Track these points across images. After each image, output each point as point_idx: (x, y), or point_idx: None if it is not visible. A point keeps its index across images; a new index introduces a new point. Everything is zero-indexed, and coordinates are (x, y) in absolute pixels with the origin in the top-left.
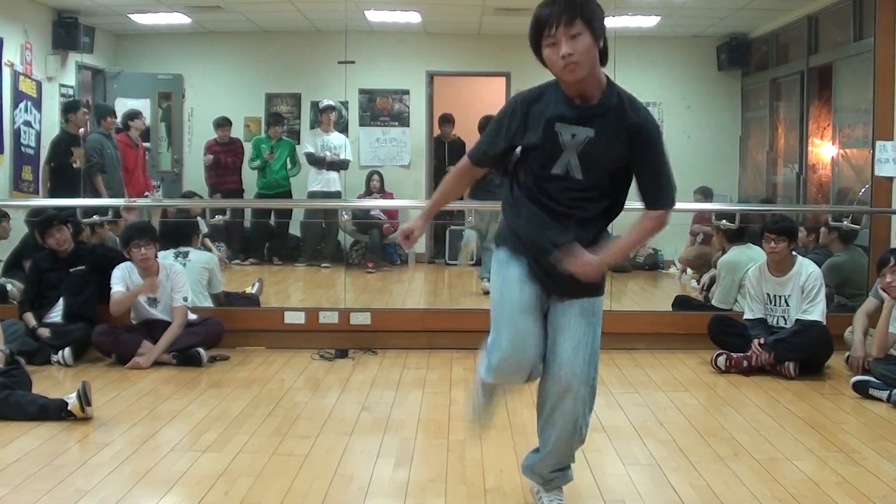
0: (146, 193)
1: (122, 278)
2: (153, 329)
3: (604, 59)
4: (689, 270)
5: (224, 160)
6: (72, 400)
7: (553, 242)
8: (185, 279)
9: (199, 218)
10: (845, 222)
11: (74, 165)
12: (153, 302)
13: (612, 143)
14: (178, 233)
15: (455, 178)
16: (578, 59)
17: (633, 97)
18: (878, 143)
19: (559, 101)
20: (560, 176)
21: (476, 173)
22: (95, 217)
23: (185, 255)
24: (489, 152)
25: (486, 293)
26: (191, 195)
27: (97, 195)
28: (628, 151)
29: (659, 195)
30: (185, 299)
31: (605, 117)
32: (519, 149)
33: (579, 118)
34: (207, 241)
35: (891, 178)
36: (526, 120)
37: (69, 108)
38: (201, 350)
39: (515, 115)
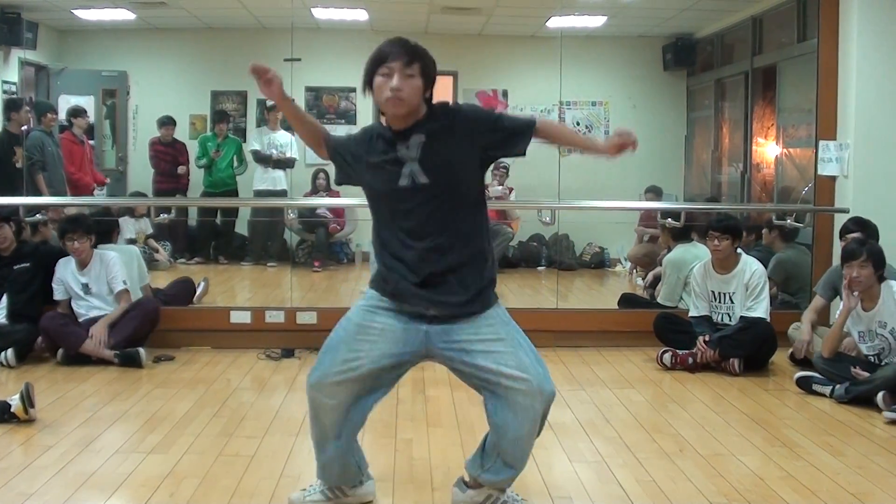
0: (95, 187)
1: (61, 281)
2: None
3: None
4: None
5: (164, 162)
6: (15, 402)
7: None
8: (120, 264)
9: (127, 218)
10: (789, 221)
11: (17, 165)
12: (86, 289)
13: (447, 139)
14: (97, 230)
15: (314, 129)
16: (404, 97)
17: (446, 103)
18: (821, 143)
19: (385, 129)
20: (408, 188)
21: (321, 149)
22: (38, 216)
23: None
24: (338, 148)
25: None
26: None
27: (39, 193)
28: (470, 144)
29: (521, 138)
30: (125, 282)
31: (431, 123)
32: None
33: (407, 132)
34: (152, 241)
35: (833, 178)
36: (369, 144)
37: (11, 107)
38: (142, 350)
39: (362, 139)
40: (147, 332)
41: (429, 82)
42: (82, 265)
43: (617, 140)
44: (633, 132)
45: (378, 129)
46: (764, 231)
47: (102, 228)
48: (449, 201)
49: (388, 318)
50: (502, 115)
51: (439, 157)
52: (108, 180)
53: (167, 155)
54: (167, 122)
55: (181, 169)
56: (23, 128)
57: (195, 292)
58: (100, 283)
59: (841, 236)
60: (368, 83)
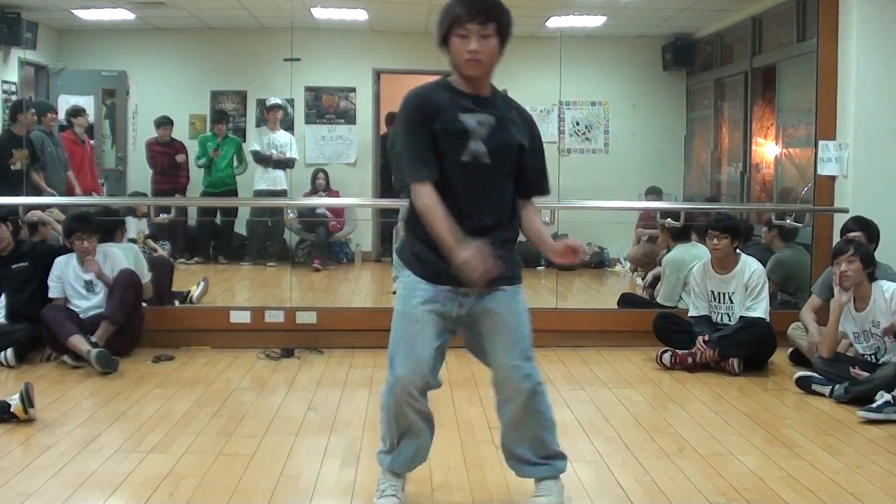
0: (93, 194)
1: (60, 278)
2: (96, 326)
3: None
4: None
5: (162, 162)
6: (14, 401)
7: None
8: (124, 259)
9: (129, 218)
10: (788, 220)
11: (13, 167)
12: (89, 286)
13: (511, 128)
14: (101, 228)
15: (437, 208)
16: (483, 59)
17: (505, 93)
18: (821, 143)
19: (454, 94)
20: (468, 164)
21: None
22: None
23: None
24: (430, 156)
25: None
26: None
27: (38, 193)
28: (524, 139)
29: (543, 181)
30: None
31: (499, 108)
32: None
33: (478, 105)
34: (150, 241)
35: (833, 178)
36: (436, 107)
37: (17, 108)
38: (94, 352)
39: (423, 105)
40: (134, 300)
41: (505, 39)
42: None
43: (563, 249)
44: (583, 249)
45: (447, 90)
46: (763, 230)
47: (107, 227)
48: (501, 184)
49: (429, 307)
50: (543, 152)
51: (504, 142)
52: (103, 192)
53: (166, 155)
54: (165, 123)
55: (180, 157)
56: (25, 129)
57: (173, 266)
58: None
59: (841, 235)
60: (444, 42)
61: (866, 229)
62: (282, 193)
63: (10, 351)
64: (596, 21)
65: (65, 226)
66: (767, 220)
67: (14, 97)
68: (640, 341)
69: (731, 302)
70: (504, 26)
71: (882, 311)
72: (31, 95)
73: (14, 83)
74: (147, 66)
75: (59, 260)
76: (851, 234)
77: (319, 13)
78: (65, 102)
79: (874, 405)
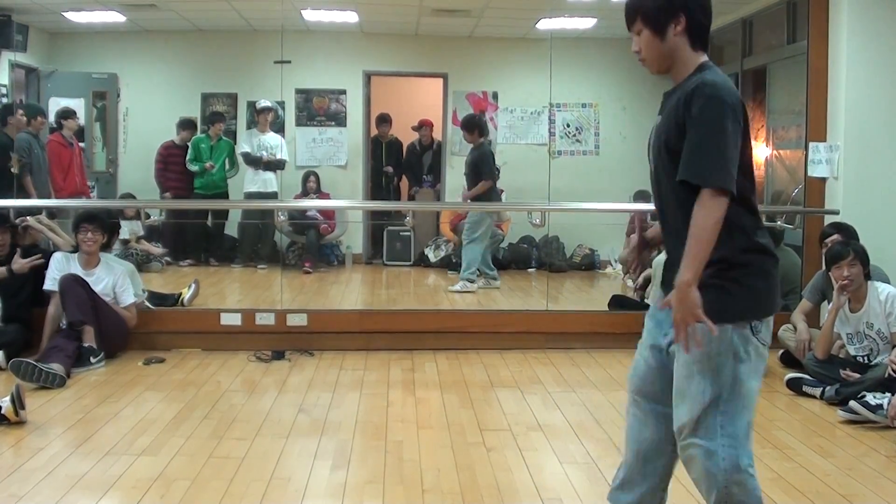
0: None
1: (59, 270)
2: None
3: (697, 43)
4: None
5: (179, 167)
6: (5, 403)
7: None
8: (128, 279)
9: (124, 221)
10: (779, 222)
11: (13, 170)
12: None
13: (665, 121)
14: (108, 229)
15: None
16: (644, 57)
17: (708, 78)
18: (812, 145)
19: None
20: (650, 160)
21: None
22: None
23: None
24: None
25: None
26: (127, 198)
27: (27, 196)
28: (675, 125)
29: (686, 165)
30: (136, 296)
31: (671, 98)
32: None
33: (661, 108)
34: (144, 241)
35: (823, 179)
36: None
37: (7, 111)
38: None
39: (741, 104)
40: (85, 295)
41: (660, 25)
42: (87, 264)
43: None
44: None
45: None
46: None
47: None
48: (664, 188)
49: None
50: (702, 127)
51: (658, 132)
52: (93, 195)
53: (182, 157)
54: (189, 126)
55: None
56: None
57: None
58: (104, 286)
59: (820, 242)
60: None
61: (842, 232)
62: (272, 196)
63: (0, 353)
64: (586, 23)
65: (74, 220)
66: None
67: (5, 100)
68: (631, 343)
69: None
70: (647, 13)
71: (876, 314)
72: (22, 98)
73: (5, 86)
74: (138, 69)
75: (58, 255)
76: (831, 238)
77: (310, 15)
78: (55, 105)
79: (865, 402)
